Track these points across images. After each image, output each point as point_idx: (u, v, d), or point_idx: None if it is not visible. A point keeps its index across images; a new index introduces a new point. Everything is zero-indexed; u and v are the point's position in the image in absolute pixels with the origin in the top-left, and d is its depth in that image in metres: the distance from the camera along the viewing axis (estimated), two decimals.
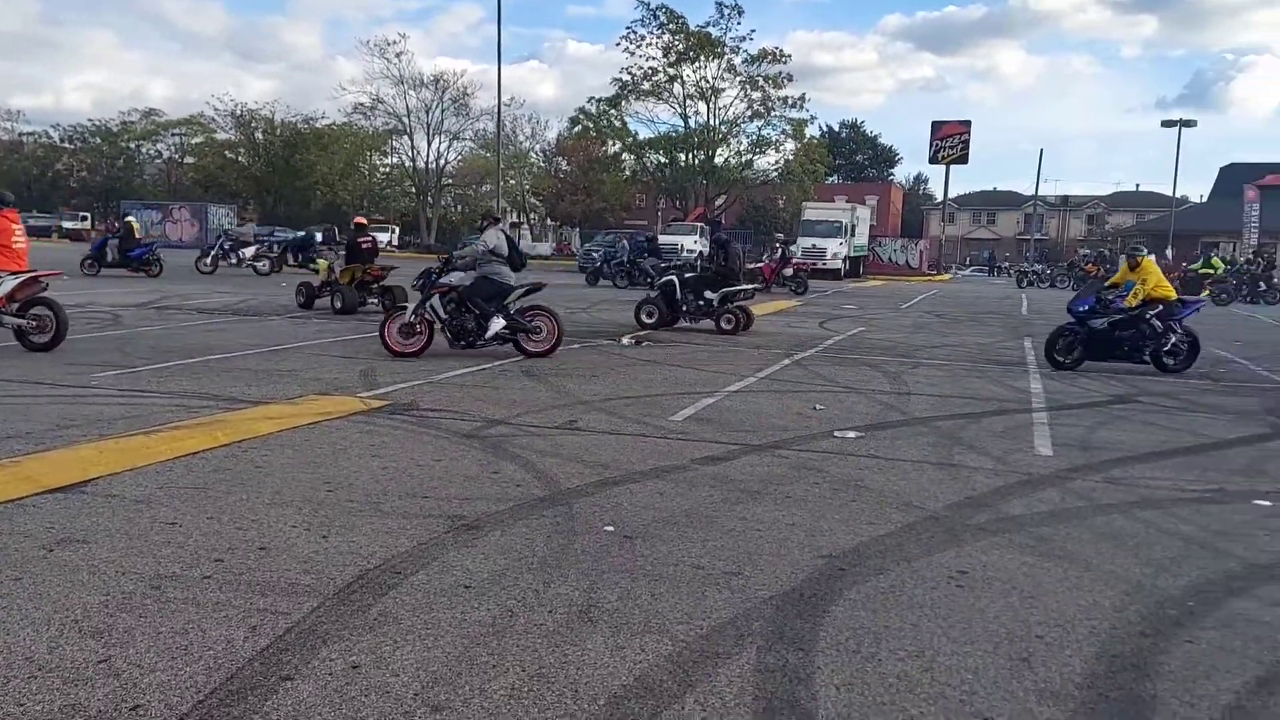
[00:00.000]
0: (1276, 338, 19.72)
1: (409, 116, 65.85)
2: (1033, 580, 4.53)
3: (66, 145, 77.69)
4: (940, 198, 63.48)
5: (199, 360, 10.61)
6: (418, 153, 68.12)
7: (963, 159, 56.71)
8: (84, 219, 67.69)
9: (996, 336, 17.95)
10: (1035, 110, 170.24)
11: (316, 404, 8.22)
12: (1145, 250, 13.38)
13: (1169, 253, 47.29)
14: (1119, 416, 9.34)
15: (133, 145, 77.38)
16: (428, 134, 67.00)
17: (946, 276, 54.09)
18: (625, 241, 36.62)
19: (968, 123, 57.06)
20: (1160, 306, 12.49)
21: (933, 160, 57.69)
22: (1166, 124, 64.73)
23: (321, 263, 18.96)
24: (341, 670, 3.32)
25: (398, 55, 64.36)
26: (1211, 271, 33.63)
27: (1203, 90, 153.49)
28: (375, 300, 17.53)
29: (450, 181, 72.10)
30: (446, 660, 3.43)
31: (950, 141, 56.57)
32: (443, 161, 69.07)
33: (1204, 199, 69.36)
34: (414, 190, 70.13)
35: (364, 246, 17.57)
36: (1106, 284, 13.49)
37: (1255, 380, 12.66)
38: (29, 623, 3.63)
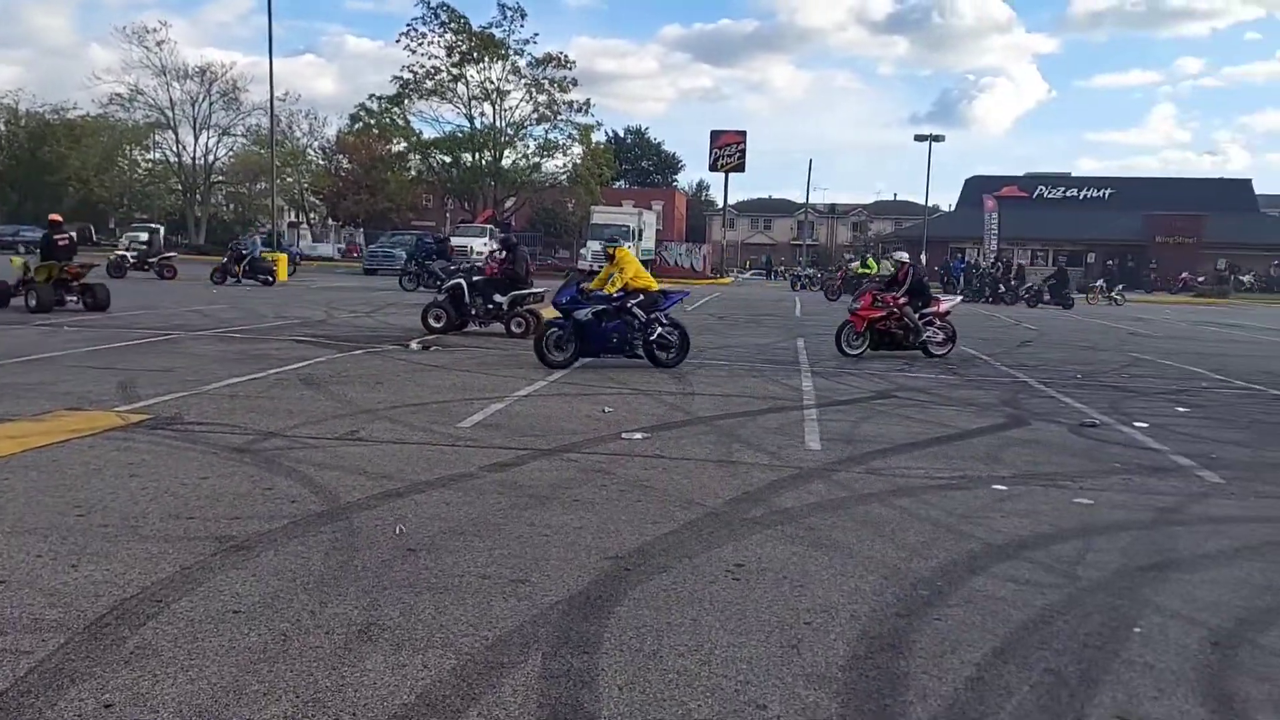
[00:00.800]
0: (1013, 335, 21.66)
1: (173, 109, 61.76)
2: (801, 569, 4.77)
3: None
4: (721, 204, 65.76)
5: None
6: (184, 148, 63.98)
7: (740, 167, 59.00)
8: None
9: (773, 337, 18.77)
10: (805, 122, 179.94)
11: (66, 420, 7.55)
12: (621, 241, 13.87)
13: (923, 257, 51.16)
14: (880, 411, 9.98)
15: None
16: (194, 128, 63.08)
17: (728, 280, 56.11)
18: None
19: (743, 133, 59.41)
20: (642, 296, 12.53)
21: (712, 168, 59.68)
22: (919, 138, 70.46)
23: (16, 260, 18.70)
24: (93, 710, 3.08)
25: (159, 44, 60.28)
26: (868, 272, 35.83)
27: (949, 108, 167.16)
28: (75, 299, 17.57)
29: (222, 179, 68.08)
30: (213, 691, 3.23)
31: (728, 150, 58.74)
32: (212, 158, 65.20)
33: (952, 208, 75.39)
34: (180, 188, 65.74)
35: (60, 244, 17.58)
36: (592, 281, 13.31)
37: (996, 375, 13.83)
38: None
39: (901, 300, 15.21)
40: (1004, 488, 6.73)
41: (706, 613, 4.12)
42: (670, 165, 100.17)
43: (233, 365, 11.04)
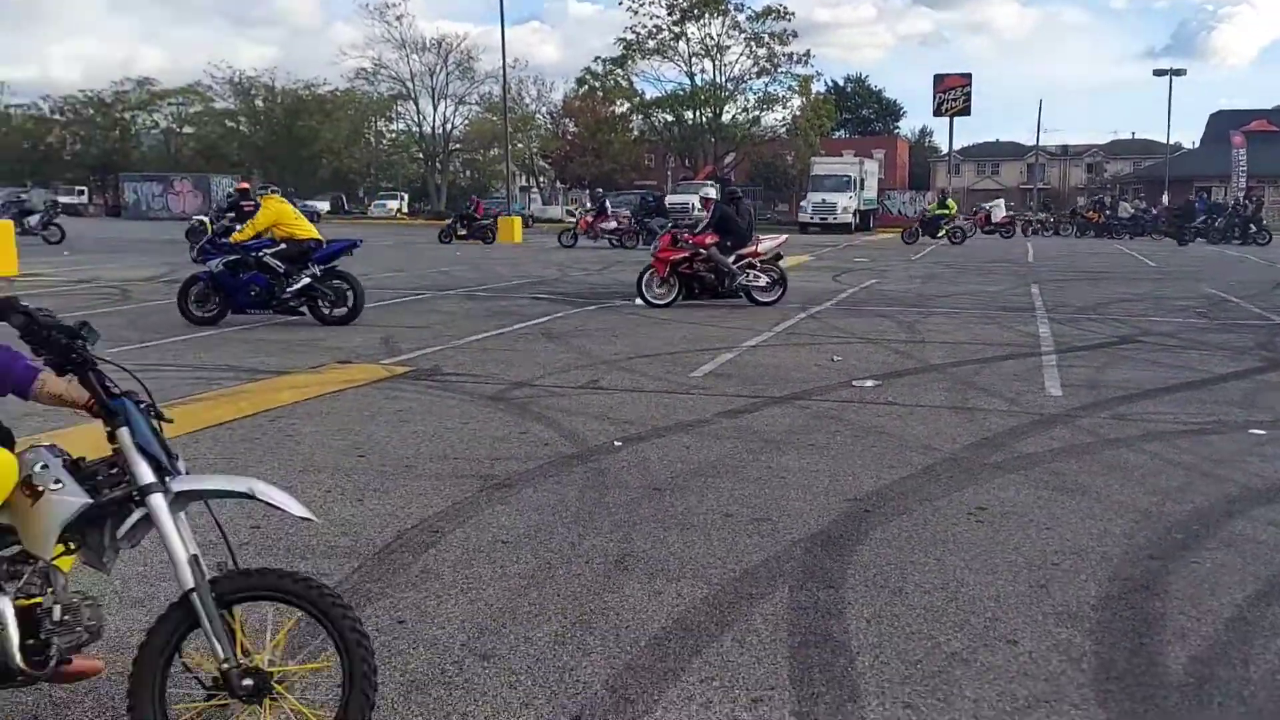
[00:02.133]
0: (1265, 277, 19.69)
1: (413, 81, 65.33)
2: (1048, 513, 4.66)
3: (58, 117, 76.14)
4: (945, 150, 62.97)
5: (216, 334, 10.73)
6: (424, 118, 67.69)
7: (965, 111, 56.20)
8: (80, 193, 67.12)
9: (1004, 284, 17.96)
10: (1032, 62, 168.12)
11: (340, 372, 8.35)
12: (271, 189, 12.68)
13: (1165, 197, 47.21)
14: (1124, 356, 9.44)
15: (128, 116, 76.12)
16: (433, 99, 66.45)
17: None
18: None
19: (968, 75, 56.49)
20: (283, 246, 11.37)
21: (936, 113, 57.17)
22: (1158, 73, 64.73)
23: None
24: (388, 625, 3.45)
25: (398, 18, 63.70)
26: (946, 213, 34.11)
27: (1187, 40, 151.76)
28: None
29: (459, 146, 71.65)
30: (490, 612, 3.57)
31: (952, 94, 56.04)
32: (449, 126, 68.61)
33: (1195, 145, 68.99)
34: (421, 156, 69.76)
35: (246, 210, 17.24)
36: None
37: (1249, 319, 12.69)
38: None
39: (707, 240, 13.72)
40: (1262, 432, 6.27)
41: (950, 553, 4.13)
42: (891, 112, 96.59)
43: (480, 321, 11.80)
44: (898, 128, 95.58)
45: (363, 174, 73.44)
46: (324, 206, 62.26)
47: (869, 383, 7.96)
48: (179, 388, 7.59)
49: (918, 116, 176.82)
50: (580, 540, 4.29)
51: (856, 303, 14.29)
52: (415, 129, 68.19)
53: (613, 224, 31.12)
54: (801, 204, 46.29)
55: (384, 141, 73.25)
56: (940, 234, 33.17)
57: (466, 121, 69.29)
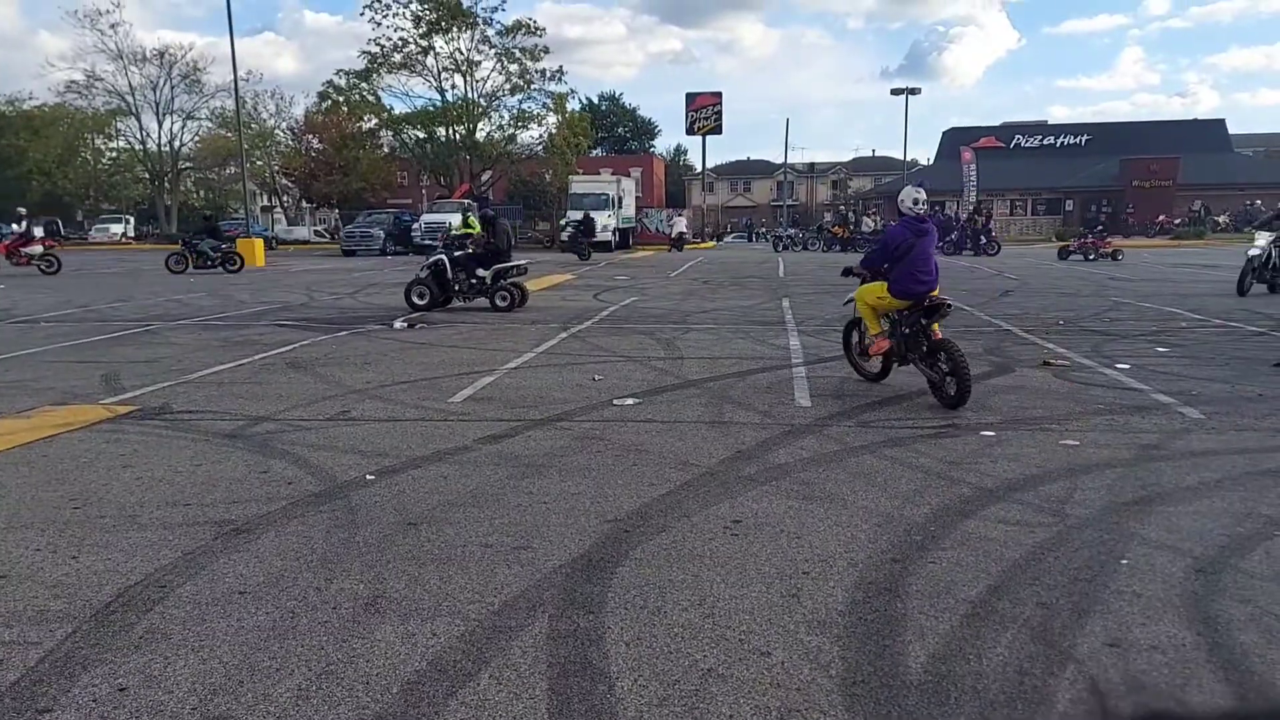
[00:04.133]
0: (993, 286, 21.79)
1: (133, 95, 60.60)
2: (798, 522, 4.85)
3: None
4: (700, 168, 65.54)
5: None
6: (148, 135, 63.03)
7: (717, 129, 58.77)
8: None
9: (758, 298, 18.81)
10: (778, 81, 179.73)
11: (53, 415, 7.54)
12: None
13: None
14: None
15: None
16: (157, 114, 61.97)
17: (711, 244, 56.07)
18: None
19: (719, 94, 59.13)
20: None
21: (689, 131, 59.41)
22: (895, 92, 70.80)
23: None
24: (107, 694, 3.12)
25: (112, 27, 59.18)
26: (470, 231, 34.43)
27: (920, 59, 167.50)
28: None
29: (189, 164, 67.22)
30: (225, 670, 3.28)
31: (704, 112, 58.48)
32: (178, 144, 64.25)
33: (930, 161, 75.37)
34: (147, 176, 64.86)
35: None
36: None
37: (979, 325, 13.93)
38: None
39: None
40: (992, 434, 6.82)
41: (707, 568, 4.20)
42: (647, 131, 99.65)
43: (217, 353, 11.02)
44: (653, 146, 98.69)
45: (80, 196, 67.26)
46: (38, 231, 56.51)
47: (629, 401, 8.05)
48: None
49: (672, 135, 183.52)
50: (327, 585, 4.03)
51: (617, 320, 14.49)
52: (139, 147, 63.38)
53: (39, 248, 28.44)
54: (561, 222, 46.77)
55: (104, 161, 67.51)
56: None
57: (197, 138, 65.13)
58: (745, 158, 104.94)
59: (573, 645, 3.44)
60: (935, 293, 7.99)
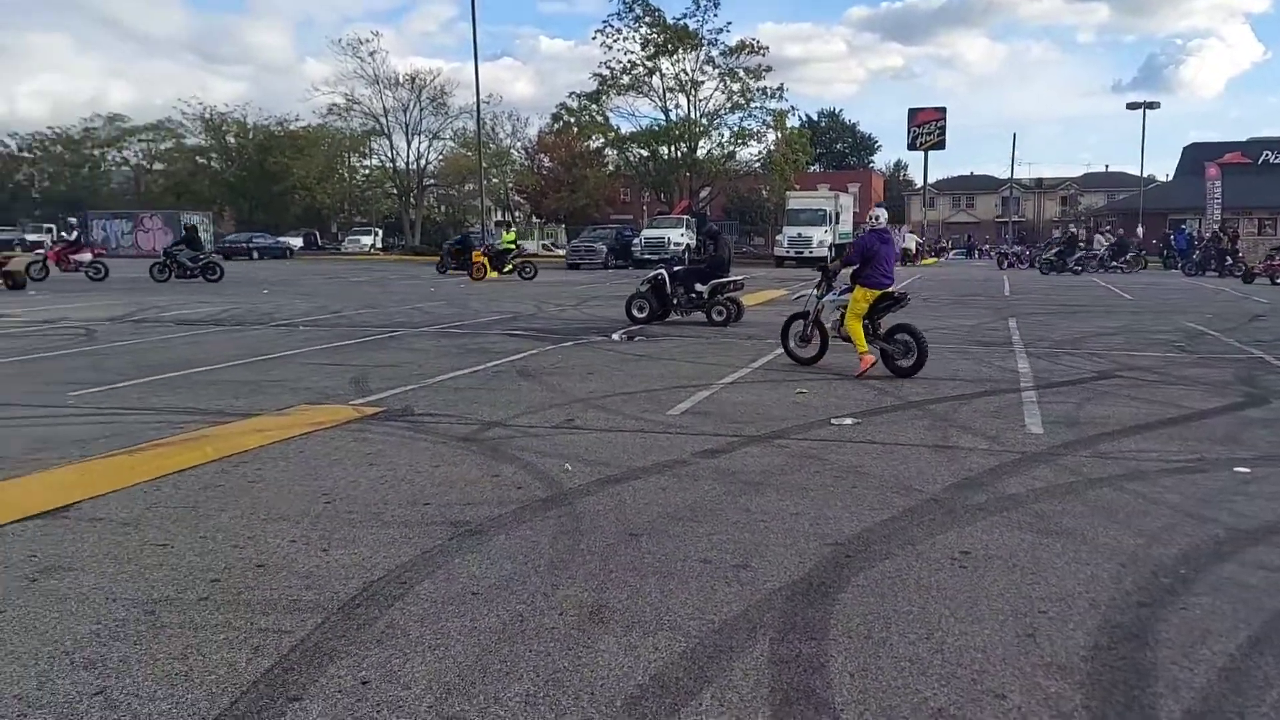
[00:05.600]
0: (1242, 310, 19.87)
1: (386, 116, 65.37)
2: (1033, 557, 4.56)
3: (26, 155, 76.04)
4: (920, 183, 63.70)
5: (180, 374, 10.48)
6: (398, 153, 67.75)
7: (940, 144, 57.06)
8: (48, 230, 66.60)
9: (982, 318, 18.01)
10: (1003, 95, 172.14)
11: (307, 414, 8.17)
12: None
13: (1139, 230, 48.04)
14: (1103, 392, 9.42)
15: (97, 152, 75.93)
16: (406, 134, 66.51)
17: (934, 260, 54.26)
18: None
19: (943, 109, 57.52)
20: None
21: (911, 146, 57.98)
22: (1132, 106, 66.38)
23: None
24: (351, 687, 3.29)
25: (371, 54, 63.74)
26: (509, 246, 33.07)
27: (1155, 73, 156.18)
28: None
29: (433, 181, 71.70)
30: (459, 670, 3.41)
31: (927, 128, 56.91)
32: (424, 161, 68.68)
33: (1169, 178, 70.13)
34: (396, 191, 69.72)
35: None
36: None
37: (1229, 352, 12.74)
38: (15, 658, 3.52)
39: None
40: (1247, 470, 6.21)
41: (934, 600, 4.02)
42: (866, 146, 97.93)
43: (453, 359, 11.64)
44: (872, 161, 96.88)
45: (336, 210, 73.24)
46: (296, 243, 62.05)
47: (848, 421, 7.87)
48: (143, 431, 7.39)
49: (892, 150, 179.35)
50: (553, 591, 4.14)
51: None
52: (389, 164, 68.21)
53: (88, 255, 30.21)
54: (777, 238, 46.61)
55: (358, 177, 73.18)
56: (507, 269, 31.92)
57: (441, 157, 69.41)
58: (968, 173, 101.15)
59: (795, 671, 3.37)
60: (892, 289, 10.63)
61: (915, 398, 9.03)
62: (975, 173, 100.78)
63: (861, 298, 10.50)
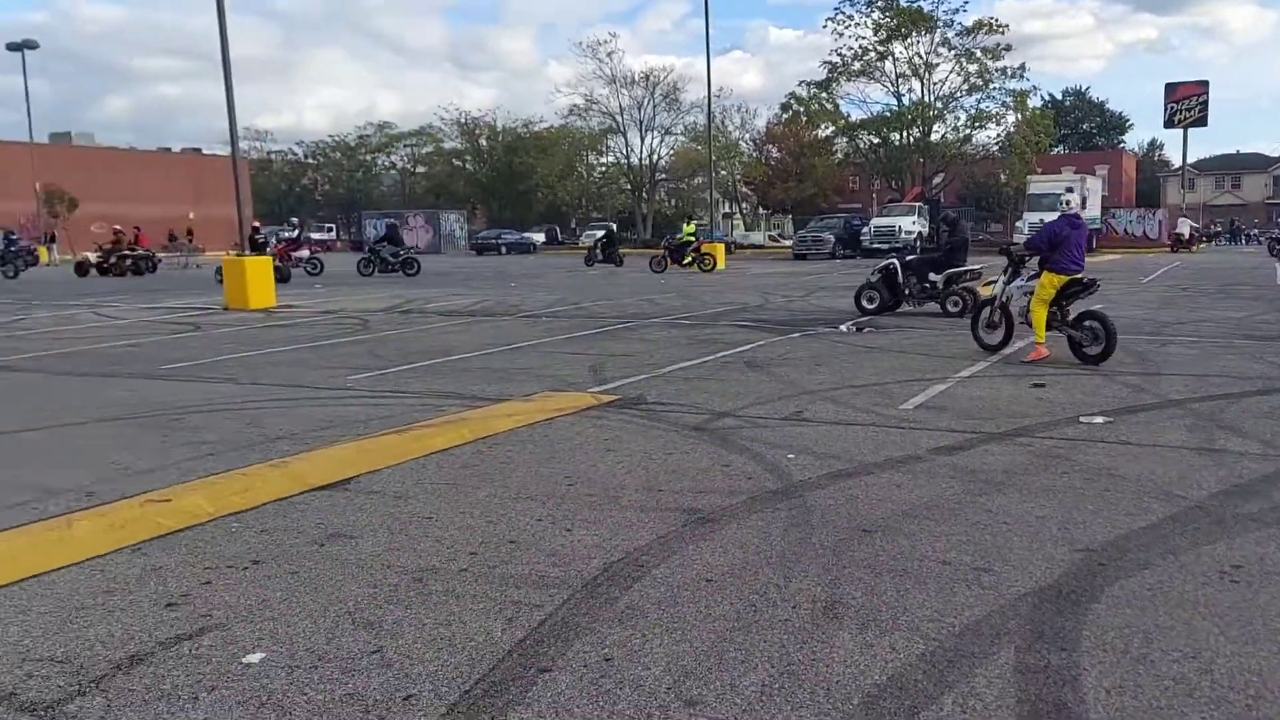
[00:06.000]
0: None
1: (622, 114, 67.37)
2: None
3: (310, 161, 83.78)
4: (1177, 163, 58.65)
5: (441, 361, 11.28)
6: (632, 150, 69.57)
7: (1201, 121, 52.36)
8: (329, 230, 72.96)
9: (1251, 309, 16.41)
10: (1273, 65, 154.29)
11: (551, 400, 8.55)
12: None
13: None
14: None
15: (369, 158, 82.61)
16: (640, 131, 68.22)
17: (1199, 248, 49.78)
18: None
19: (1204, 83, 52.78)
20: None
21: (1168, 124, 53.54)
22: None
23: None
24: (595, 663, 3.43)
25: (609, 55, 65.93)
26: (689, 239, 33.33)
27: None
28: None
29: (664, 176, 73.08)
30: (696, 654, 3.49)
31: (1187, 103, 52.38)
32: (656, 157, 70.15)
33: None
34: (629, 187, 71.57)
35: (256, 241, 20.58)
36: None
37: None
38: (308, 614, 3.92)
39: None
40: None
41: (1201, 617, 3.72)
42: (1116, 125, 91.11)
43: (684, 349, 11.85)
44: (1122, 141, 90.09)
45: (574, 206, 76.18)
46: (539, 238, 65.02)
47: (1099, 419, 7.40)
48: (410, 414, 8.02)
49: (1146, 129, 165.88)
50: (786, 583, 4.15)
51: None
52: (623, 161, 70.14)
53: (306, 252, 32.31)
54: (1017, 224, 44.31)
55: (594, 174, 75.76)
56: (687, 260, 32.21)
57: (672, 151, 70.69)
58: (1234, 151, 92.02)
59: (1044, 683, 3.22)
60: (1081, 275, 10.26)
61: (1176, 395, 8.36)
62: (1241, 151, 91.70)
63: (1049, 283, 10.25)
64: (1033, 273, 10.72)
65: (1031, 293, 10.56)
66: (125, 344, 13.60)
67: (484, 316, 17.29)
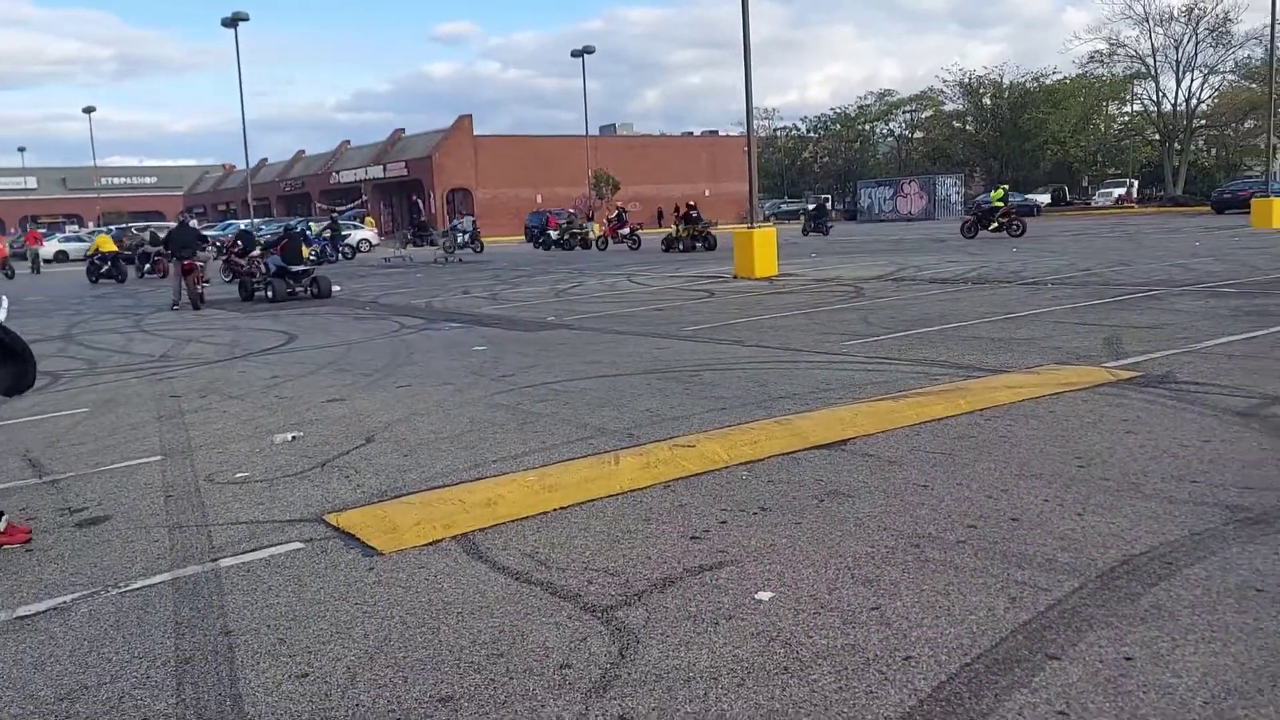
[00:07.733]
0: None
1: (1154, 57, 60.16)
2: None
3: (811, 135, 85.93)
4: None
5: (936, 329, 11.04)
6: (1164, 95, 61.94)
7: None
8: (825, 200, 74.60)
9: None
10: None
11: (1057, 374, 7.97)
12: None
13: None
14: None
15: (867, 127, 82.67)
16: (1176, 73, 60.49)
17: None
18: None
19: None
20: None
21: None
22: None
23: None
24: (1113, 660, 3.16)
25: None
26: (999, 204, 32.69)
27: None
28: None
29: (1203, 123, 64.17)
30: (1239, 670, 3.06)
31: None
32: (1194, 101, 61.76)
33: None
34: (1158, 137, 63.92)
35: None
36: None
37: None
38: (810, 564, 4.12)
39: None
40: None
41: None
42: None
43: (1225, 322, 10.37)
44: None
45: (1088, 162, 69.75)
46: (1044, 199, 60.77)
47: None
48: (903, 381, 8.01)
49: None
50: None
51: None
52: (1152, 108, 62.66)
53: (628, 229, 36.64)
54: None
55: (1114, 126, 68.68)
56: (993, 226, 31.94)
57: (1215, 94, 61.64)
58: None
59: None
60: None
61: None
62: None
63: None
64: None
65: None
66: (653, 308, 15.15)
67: (978, 284, 16.56)
